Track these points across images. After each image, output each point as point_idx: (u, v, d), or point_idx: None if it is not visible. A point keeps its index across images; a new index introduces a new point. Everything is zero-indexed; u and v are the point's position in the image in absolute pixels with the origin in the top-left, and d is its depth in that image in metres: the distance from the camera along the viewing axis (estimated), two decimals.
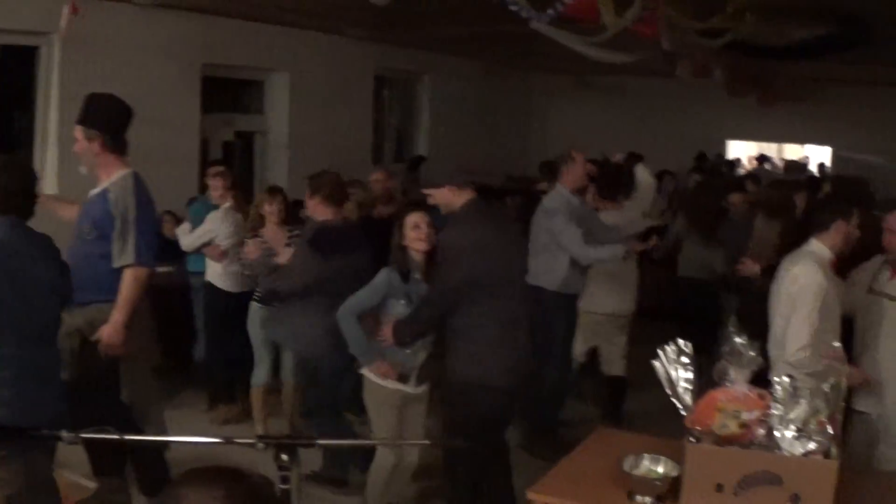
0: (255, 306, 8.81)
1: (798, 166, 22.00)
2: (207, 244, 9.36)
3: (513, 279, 6.52)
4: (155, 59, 11.53)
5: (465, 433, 6.17)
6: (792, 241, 6.97)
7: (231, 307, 9.38)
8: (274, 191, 9.10)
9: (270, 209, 8.80)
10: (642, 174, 9.78)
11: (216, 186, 9.56)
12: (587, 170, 9.13)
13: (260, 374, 8.94)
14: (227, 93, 13.62)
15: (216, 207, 9.54)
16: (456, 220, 6.48)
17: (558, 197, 8.86)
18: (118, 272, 6.64)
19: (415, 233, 6.74)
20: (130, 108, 6.85)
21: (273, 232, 8.72)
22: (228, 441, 3.31)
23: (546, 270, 8.76)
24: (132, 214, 6.63)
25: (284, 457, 3.16)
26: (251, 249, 8.33)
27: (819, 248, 6.26)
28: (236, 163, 13.51)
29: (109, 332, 6.57)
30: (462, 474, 6.65)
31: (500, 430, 6.72)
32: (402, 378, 6.72)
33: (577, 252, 8.61)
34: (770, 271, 6.98)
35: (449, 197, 6.45)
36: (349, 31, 13.75)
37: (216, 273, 9.43)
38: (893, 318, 6.25)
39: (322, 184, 7.73)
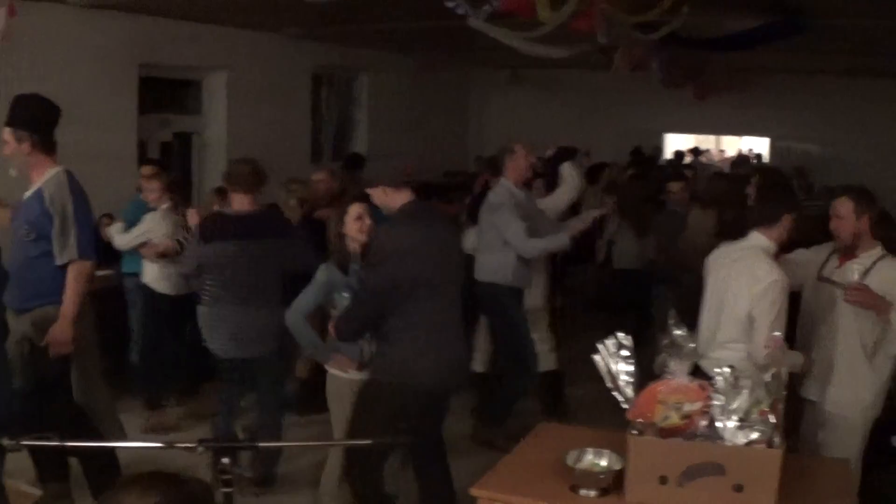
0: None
1: (744, 159, 22.20)
2: (144, 245, 9.28)
3: (447, 282, 6.46)
4: (92, 59, 11.41)
5: (376, 431, 6.10)
6: (728, 233, 7.01)
7: (168, 310, 9.33)
8: (223, 190, 9.05)
9: (220, 209, 8.77)
10: (568, 171, 9.76)
11: (152, 189, 9.45)
12: (530, 163, 9.14)
13: None
14: (164, 93, 13.51)
15: (152, 209, 9.44)
16: (391, 222, 6.47)
17: (503, 191, 8.86)
18: (60, 273, 6.60)
19: (356, 224, 6.81)
20: (57, 106, 6.82)
21: None
22: (169, 445, 3.28)
23: (498, 266, 8.79)
24: (70, 210, 6.61)
25: (225, 460, 3.14)
26: (192, 215, 8.36)
27: (764, 242, 6.25)
28: (174, 163, 13.40)
29: (58, 328, 6.54)
30: (361, 475, 6.66)
31: (427, 430, 6.67)
32: (363, 367, 6.71)
33: (521, 246, 8.62)
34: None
35: (384, 197, 6.43)
36: (286, 29, 13.70)
37: (153, 276, 9.35)
38: (839, 306, 6.27)
39: (232, 173, 7.71)
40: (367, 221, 6.78)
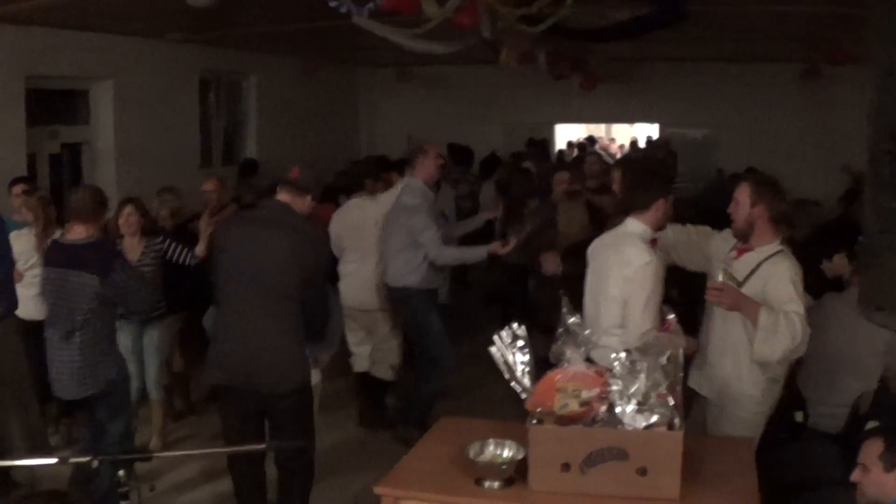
0: (120, 323, 8.64)
1: (657, 143, 22.38)
2: None
3: (246, 285, 6.44)
4: None
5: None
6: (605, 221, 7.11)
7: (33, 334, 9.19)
8: (124, 202, 8.92)
9: (122, 220, 8.64)
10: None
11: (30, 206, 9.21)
12: (440, 164, 9.15)
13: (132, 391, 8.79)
14: (52, 104, 13.29)
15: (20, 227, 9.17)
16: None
17: (418, 192, 8.87)
18: None
19: None
20: None
21: (129, 243, 8.62)
22: (63, 461, 3.23)
23: (409, 269, 8.82)
24: None
25: (121, 472, 3.11)
26: None
27: (640, 227, 6.29)
28: (65, 175, 13.20)
29: None
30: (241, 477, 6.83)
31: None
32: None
33: (435, 253, 8.65)
34: (574, 253, 7.12)
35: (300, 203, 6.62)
36: (170, 34, 13.55)
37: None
38: None
39: (70, 200, 7.33)
40: None
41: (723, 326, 6.35)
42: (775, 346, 5.87)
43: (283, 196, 6.53)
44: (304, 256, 6.48)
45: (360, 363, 9.81)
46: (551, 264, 8.55)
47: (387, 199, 9.40)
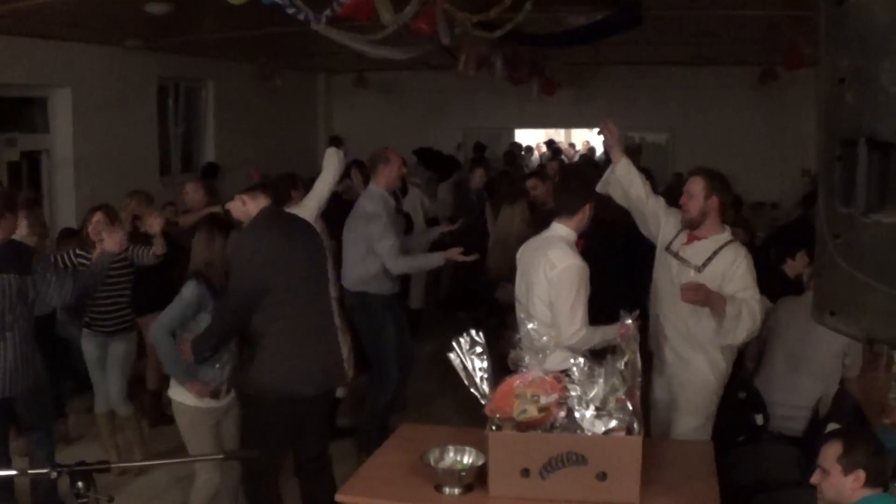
0: (85, 332, 8.65)
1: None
2: None
3: (307, 288, 6.42)
4: None
5: (259, 444, 6.05)
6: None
7: None
8: (93, 209, 8.85)
9: (91, 228, 8.57)
10: (329, 156, 9.43)
11: None
12: (402, 172, 9.13)
13: (100, 401, 8.80)
14: (10, 112, 13.21)
15: None
16: (245, 228, 6.42)
17: (378, 200, 8.78)
18: None
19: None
20: None
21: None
22: (22, 472, 3.21)
23: (369, 276, 8.74)
24: None
25: (80, 484, 3.10)
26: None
27: (565, 231, 6.46)
28: (23, 183, 13.12)
29: None
30: (256, 486, 6.60)
31: (306, 440, 6.62)
32: (215, 394, 6.63)
33: (391, 263, 8.58)
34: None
35: (243, 208, 6.39)
36: (127, 41, 13.50)
37: None
38: (679, 280, 6.45)
39: None
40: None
41: (678, 307, 6.49)
42: (739, 331, 6.19)
43: (262, 200, 6.42)
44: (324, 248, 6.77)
45: None
46: (505, 294, 8.68)
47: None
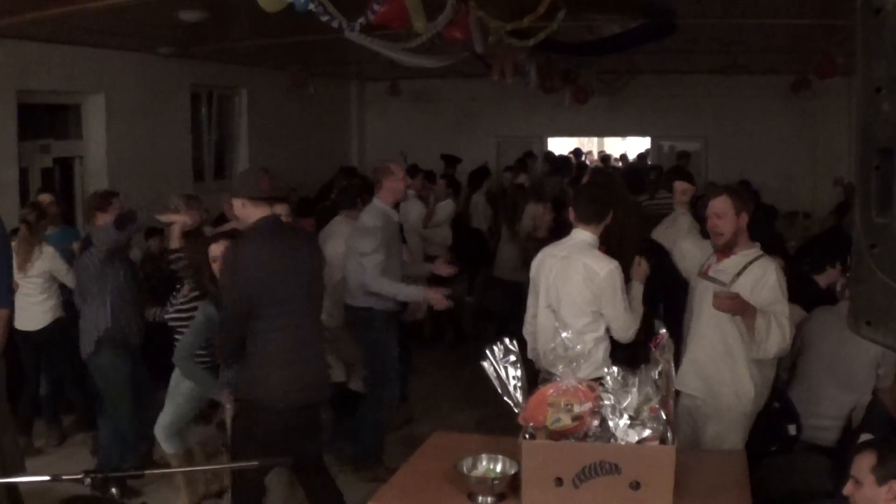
0: None
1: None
2: None
3: (300, 299, 6.35)
4: None
5: (254, 451, 6.02)
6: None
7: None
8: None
9: None
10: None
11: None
12: (407, 184, 9.04)
13: None
14: (44, 119, 13.28)
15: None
16: (243, 236, 6.41)
17: (379, 215, 8.65)
18: None
19: (217, 264, 6.86)
20: None
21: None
22: (56, 478, 3.23)
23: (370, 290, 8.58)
24: None
25: (114, 490, 3.11)
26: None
27: (591, 237, 6.54)
28: (56, 190, 13.18)
29: None
30: (247, 496, 6.60)
31: (302, 448, 6.56)
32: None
33: (370, 281, 8.43)
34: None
35: (242, 210, 6.35)
36: (160, 48, 13.56)
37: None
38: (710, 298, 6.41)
39: None
40: None
41: (713, 325, 6.45)
42: (769, 345, 6.09)
43: (263, 210, 6.31)
44: (321, 262, 6.73)
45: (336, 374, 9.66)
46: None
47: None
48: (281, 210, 6.77)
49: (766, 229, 9.76)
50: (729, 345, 6.40)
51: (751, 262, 6.36)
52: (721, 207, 6.41)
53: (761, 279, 6.26)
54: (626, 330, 6.48)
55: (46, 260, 9.07)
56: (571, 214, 6.72)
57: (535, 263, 6.81)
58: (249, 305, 6.16)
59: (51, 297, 9.20)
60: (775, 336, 6.08)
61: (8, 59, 11.61)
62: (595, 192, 6.94)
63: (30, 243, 8.97)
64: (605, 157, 24.28)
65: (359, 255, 8.52)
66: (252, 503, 6.63)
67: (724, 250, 6.48)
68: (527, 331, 6.97)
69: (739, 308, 6.08)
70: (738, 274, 6.33)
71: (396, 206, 8.97)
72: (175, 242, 8.49)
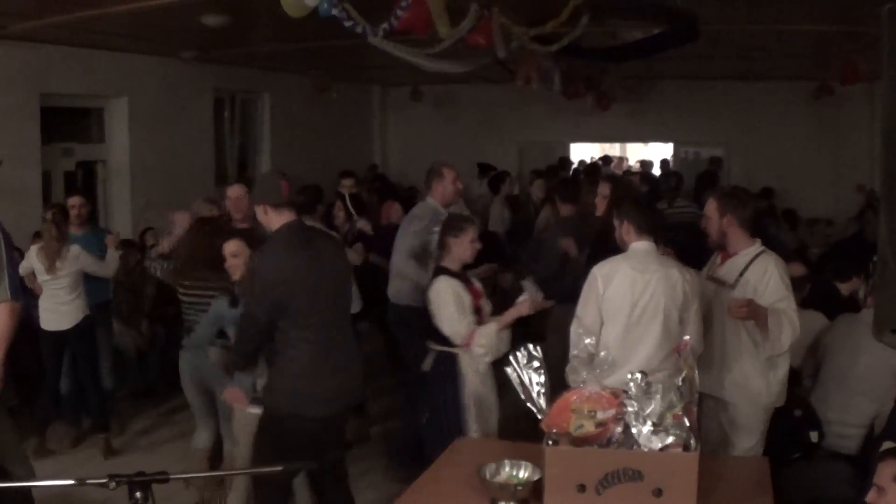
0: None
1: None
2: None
3: (326, 308, 6.28)
4: None
5: (273, 457, 6.00)
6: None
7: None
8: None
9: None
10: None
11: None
12: (458, 187, 9.02)
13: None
14: (67, 122, 13.34)
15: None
16: (268, 245, 6.38)
17: (427, 209, 8.79)
18: None
19: (233, 261, 6.94)
20: None
21: None
22: (81, 482, 3.23)
23: (412, 288, 8.54)
24: (3, 251, 6.47)
25: (139, 494, 3.12)
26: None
27: (652, 246, 6.51)
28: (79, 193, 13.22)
29: None
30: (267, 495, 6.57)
31: (323, 457, 6.53)
32: (256, 402, 6.64)
33: (399, 258, 8.59)
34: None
35: (265, 217, 6.31)
36: (183, 53, 13.60)
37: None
38: (722, 301, 6.46)
39: None
40: (243, 258, 6.92)
41: (723, 326, 6.58)
42: (783, 341, 6.27)
43: (287, 216, 6.24)
44: (349, 267, 6.68)
45: None
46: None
47: None
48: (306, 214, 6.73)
49: (770, 234, 9.68)
50: (738, 343, 6.53)
51: (752, 261, 6.54)
52: (707, 210, 6.81)
53: (763, 276, 6.43)
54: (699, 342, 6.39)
55: (73, 259, 9.12)
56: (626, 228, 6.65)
57: (600, 273, 6.50)
58: (272, 317, 6.13)
59: (79, 295, 9.25)
60: (787, 332, 6.25)
61: (31, 63, 11.68)
62: (643, 201, 6.99)
63: (57, 244, 9.02)
64: (605, 159, 23.88)
65: (399, 242, 8.64)
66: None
67: (717, 249, 6.82)
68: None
69: (753, 314, 6.16)
70: (741, 273, 6.51)
71: (447, 207, 8.85)
72: (165, 248, 8.61)
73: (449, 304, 7.05)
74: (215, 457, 8.23)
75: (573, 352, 6.22)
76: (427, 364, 7.38)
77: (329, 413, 6.33)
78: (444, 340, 7.16)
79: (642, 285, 6.31)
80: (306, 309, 6.15)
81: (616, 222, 6.64)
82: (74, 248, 9.20)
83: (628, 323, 6.31)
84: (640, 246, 6.45)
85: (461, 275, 7.32)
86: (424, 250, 8.57)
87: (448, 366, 7.11)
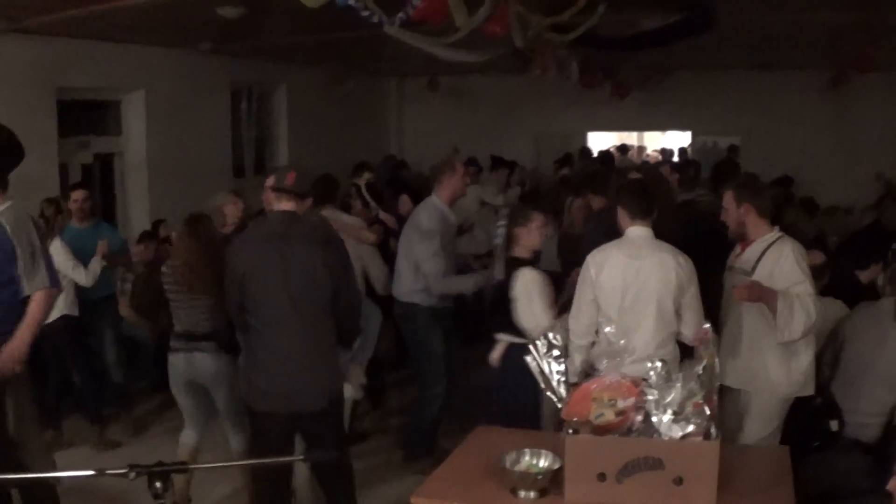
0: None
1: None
2: None
3: (288, 306, 6.15)
4: (9, 85, 11.21)
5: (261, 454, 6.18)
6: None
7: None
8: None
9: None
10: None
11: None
12: (467, 181, 8.99)
13: None
14: (84, 115, 13.35)
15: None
16: (247, 228, 6.46)
17: (436, 214, 8.58)
18: (9, 305, 6.48)
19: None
20: (22, 148, 6.76)
21: None
22: (100, 472, 3.23)
23: (417, 288, 8.56)
24: (36, 240, 6.55)
25: (158, 484, 3.12)
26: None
27: (649, 231, 6.60)
28: (96, 186, 13.25)
29: (15, 347, 6.38)
30: (270, 498, 6.61)
31: (306, 450, 6.47)
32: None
33: (434, 284, 8.43)
34: None
35: (269, 202, 6.40)
36: (199, 45, 13.61)
37: None
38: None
39: None
40: None
41: (741, 314, 6.64)
42: (795, 326, 6.25)
43: (284, 205, 6.25)
44: (333, 266, 6.26)
45: None
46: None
47: None
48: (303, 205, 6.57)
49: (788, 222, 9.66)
50: (757, 332, 6.56)
51: (769, 247, 6.57)
52: (725, 202, 6.86)
53: (778, 262, 6.45)
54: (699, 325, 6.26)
55: (53, 254, 9.06)
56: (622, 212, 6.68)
57: (594, 260, 6.59)
58: (232, 299, 6.30)
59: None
60: (799, 317, 6.22)
61: (48, 56, 11.70)
62: (649, 188, 6.94)
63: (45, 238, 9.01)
64: (623, 148, 23.83)
65: (419, 261, 8.47)
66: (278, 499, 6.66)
67: (738, 239, 6.85)
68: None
69: (757, 295, 6.22)
70: (759, 260, 6.55)
71: (452, 203, 8.79)
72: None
73: (536, 297, 7.13)
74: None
75: (572, 340, 6.44)
76: (494, 357, 7.41)
77: (274, 410, 6.26)
78: (516, 332, 7.21)
79: (634, 272, 6.38)
80: (260, 299, 6.18)
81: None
82: (56, 245, 9.05)
83: (621, 309, 6.36)
84: (635, 232, 6.52)
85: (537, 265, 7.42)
86: (449, 264, 8.60)
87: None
